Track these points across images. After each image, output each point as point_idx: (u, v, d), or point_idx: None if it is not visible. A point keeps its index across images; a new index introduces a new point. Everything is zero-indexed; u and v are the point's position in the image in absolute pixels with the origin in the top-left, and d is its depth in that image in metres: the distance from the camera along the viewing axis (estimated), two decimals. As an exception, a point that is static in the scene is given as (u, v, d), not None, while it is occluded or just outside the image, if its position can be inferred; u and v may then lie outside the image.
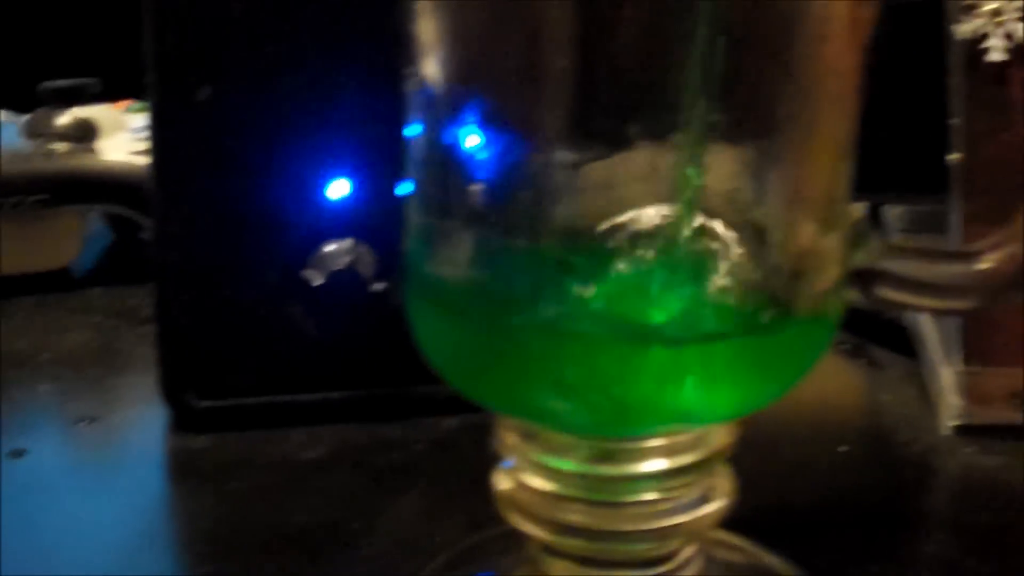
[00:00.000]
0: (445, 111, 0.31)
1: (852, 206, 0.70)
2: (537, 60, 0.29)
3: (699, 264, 0.30)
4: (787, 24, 0.29)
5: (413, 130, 0.32)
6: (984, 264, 0.31)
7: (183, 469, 0.50)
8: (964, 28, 0.51)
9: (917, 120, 0.56)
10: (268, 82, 0.48)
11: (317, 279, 0.50)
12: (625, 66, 0.29)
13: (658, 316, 0.30)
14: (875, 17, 0.31)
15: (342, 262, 0.49)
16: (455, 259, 0.32)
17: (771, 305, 0.31)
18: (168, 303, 0.50)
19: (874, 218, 0.69)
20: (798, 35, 0.30)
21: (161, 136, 0.49)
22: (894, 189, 0.65)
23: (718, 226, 0.30)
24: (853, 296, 0.33)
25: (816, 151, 0.31)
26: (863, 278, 0.33)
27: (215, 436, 0.51)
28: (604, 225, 0.30)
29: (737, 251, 0.30)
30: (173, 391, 0.51)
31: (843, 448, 0.50)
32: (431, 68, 0.31)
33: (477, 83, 0.31)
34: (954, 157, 0.51)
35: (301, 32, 0.48)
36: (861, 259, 0.33)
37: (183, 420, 0.52)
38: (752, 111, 0.30)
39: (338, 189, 0.49)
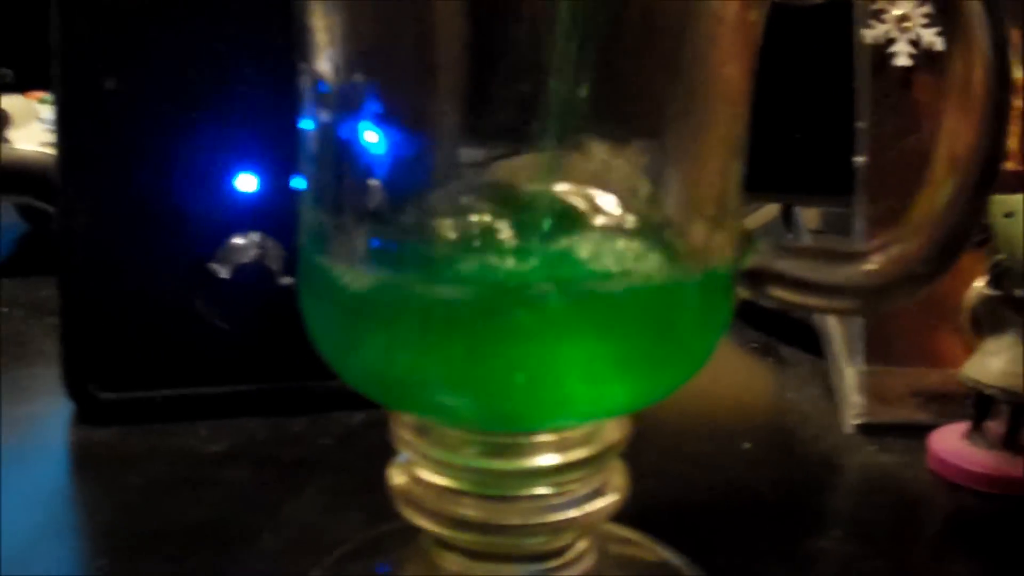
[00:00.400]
0: (337, 106, 0.31)
1: (769, 207, 0.71)
2: (429, 56, 0.30)
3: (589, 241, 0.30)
4: (676, 26, 0.30)
5: (306, 124, 0.32)
6: (870, 266, 0.32)
7: (85, 461, 0.49)
8: (871, 33, 0.52)
9: (831, 122, 0.56)
10: (175, 74, 0.48)
11: (224, 272, 0.49)
12: (518, 63, 0.29)
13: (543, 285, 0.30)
14: (763, 21, 0.31)
15: (249, 255, 0.49)
16: (346, 254, 0.31)
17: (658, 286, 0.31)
18: (71, 295, 0.50)
19: (787, 218, 0.70)
20: (687, 37, 0.30)
21: (66, 127, 0.48)
22: (807, 190, 0.65)
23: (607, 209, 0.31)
24: (745, 295, 0.33)
25: (706, 152, 0.32)
26: (755, 278, 0.33)
27: (119, 429, 0.50)
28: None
29: (630, 243, 0.31)
30: (76, 383, 0.51)
31: (746, 445, 0.51)
32: (323, 62, 0.31)
33: (369, 78, 0.30)
34: (860, 160, 0.52)
35: (209, 24, 0.48)
36: (753, 259, 0.33)
37: (86, 413, 0.51)
38: (643, 110, 0.30)
39: (246, 183, 0.49)
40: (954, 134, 0.31)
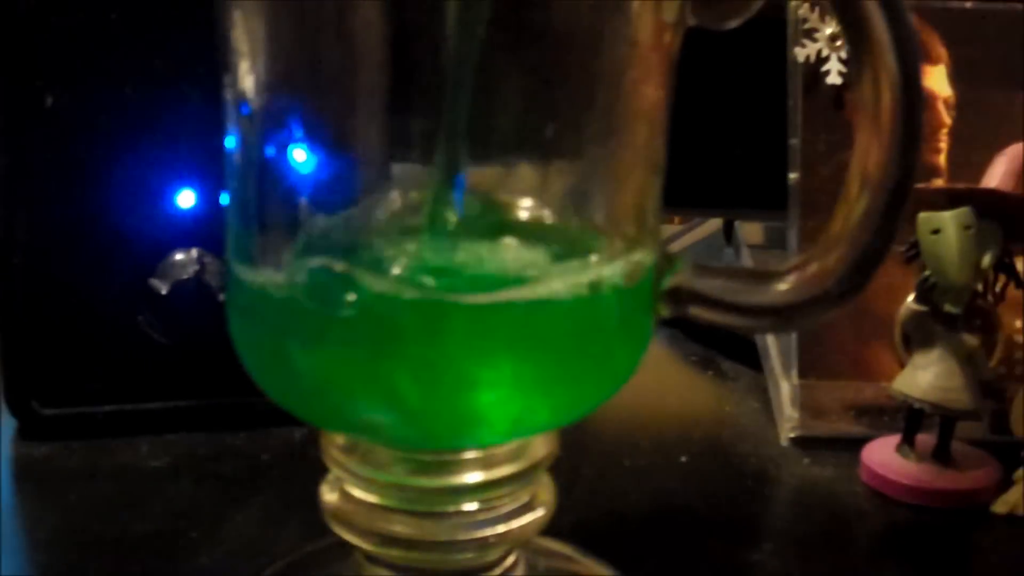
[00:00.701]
0: (260, 123, 0.31)
1: (710, 222, 0.72)
2: (349, 73, 0.30)
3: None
4: (590, 48, 0.30)
5: (230, 142, 0.32)
6: (784, 285, 0.32)
7: (26, 477, 0.49)
8: (803, 52, 0.53)
9: (771, 139, 0.57)
10: (115, 91, 0.48)
11: (164, 288, 0.50)
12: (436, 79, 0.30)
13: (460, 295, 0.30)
14: (680, 42, 0.32)
15: (189, 271, 0.50)
16: (269, 268, 0.32)
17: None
18: (12, 311, 0.50)
19: (727, 233, 0.71)
20: (601, 59, 0.31)
21: (5, 143, 0.49)
22: (748, 205, 0.66)
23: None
24: (665, 313, 0.34)
25: (624, 170, 0.32)
26: (675, 296, 0.34)
27: (60, 444, 0.51)
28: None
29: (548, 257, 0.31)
30: (17, 399, 0.51)
31: (683, 458, 0.52)
32: (246, 79, 0.31)
33: (291, 94, 0.31)
34: (793, 176, 0.53)
35: (149, 42, 0.48)
36: (673, 279, 0.33)
37: (27, 428, 0.51)
38: (560, 130, 0.31)
39: (186, 199, 0.49)
40: (865, 154, 0.32)
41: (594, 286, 0.31)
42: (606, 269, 0.32)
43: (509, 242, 0.31)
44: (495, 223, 0.32)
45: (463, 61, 0.29)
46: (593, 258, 0.32)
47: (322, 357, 0.31)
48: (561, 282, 0.31)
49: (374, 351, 0.30)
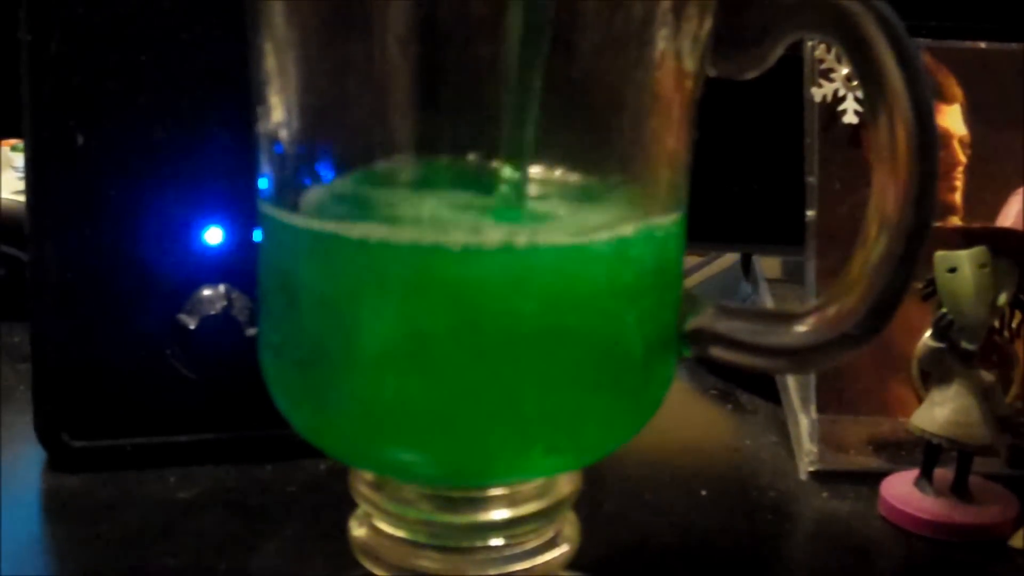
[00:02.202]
0: (293, 163, 0.32)
1: (727, 256, 0.72)
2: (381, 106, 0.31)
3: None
4: (615, 92, 0.31)
5: (263, 183, 0.33)
6: (803, 328, 0.33)
7: (56, 509, 0.50)
8: (820, 91, 0.53)
9: (789, 175, 0.58)
10: (144, 130, 0.49)
11: (192, 323, 0.50)
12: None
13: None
14: (700, 91, 0.33)
15: (216, 307, 0.50)
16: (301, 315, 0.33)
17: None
18: (43, 344, 0.51)
19: (745, 267, 0.72)
20: (626, 104, 0.32)
21: (37, 180, 0.50)
22: (766, 240, 0.67)
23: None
24: (687, 353, 0.34)
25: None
26: (697, 338, 0.34)
27: (89, 476, 0.51)
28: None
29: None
30: (48, 431, 0.52)
31: (703, 492, 0.52)
32: (277, 116, 0.32)
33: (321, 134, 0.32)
34: (810, 214, 0.54)
35: (177, 82, 0.49)
36: (695, 320, 0.34)
37: (58, 460, 0.52)
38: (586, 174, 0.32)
39: (213, 236, 0.50)
40: (883, 197, 0.32)
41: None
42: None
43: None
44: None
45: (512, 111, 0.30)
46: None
47: (357, 405, 0.32)
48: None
49: (403, 382, 0.31)
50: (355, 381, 0.32)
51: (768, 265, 0.70)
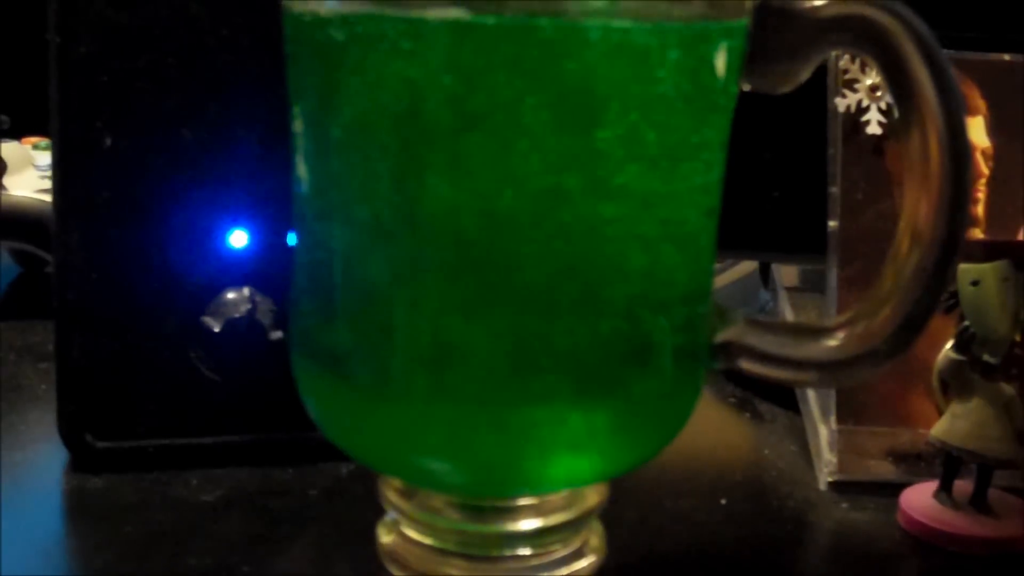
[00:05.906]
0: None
1: (746, 264, 0.72)
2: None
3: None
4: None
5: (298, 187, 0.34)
6: (834, 342, 0.33)
7: (79, 510, 0.50)
8: (843, 102, 0.54)
9: (810, 183, 0.58)
10: (172, 133, 0.50)
11: (216, 326, 0.51)
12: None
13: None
14: (734, 104, 0.33)
15: (240, 310, 0.51)
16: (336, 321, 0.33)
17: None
18: (67, 344, 0.51)
19: (764, 275, 0.72)
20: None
21: (63, 181, 0.50)
22: (785, 249, 0.67)
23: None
24: (717, 366, 0.35)
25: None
26: (727, 351, 0.34)
27: (112, 477, 0.52)
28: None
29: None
30: (71, 432, 0.52)
31: (723, 501, 0.52)
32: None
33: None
34: (832, 224, 0.54)
35: (205, 85, 0.50)
36: (725, 333, 0.34)
37: (80, 460, 0.52)
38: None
39: (238, 238, 0.51)
40: (915, 211, 0.32)
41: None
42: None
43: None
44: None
45: None
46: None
47: (391, 414, 0.32)
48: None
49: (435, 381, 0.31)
50: (389, 386, 0.32)
51: (787, 273, 0.70)
